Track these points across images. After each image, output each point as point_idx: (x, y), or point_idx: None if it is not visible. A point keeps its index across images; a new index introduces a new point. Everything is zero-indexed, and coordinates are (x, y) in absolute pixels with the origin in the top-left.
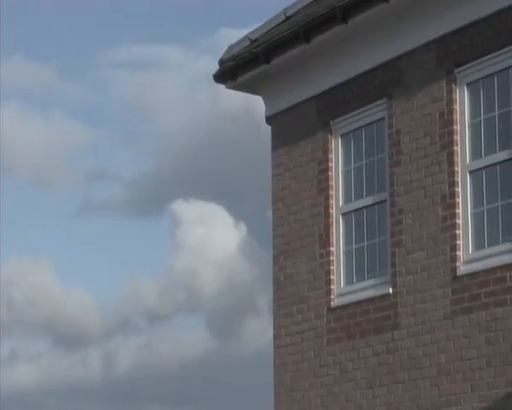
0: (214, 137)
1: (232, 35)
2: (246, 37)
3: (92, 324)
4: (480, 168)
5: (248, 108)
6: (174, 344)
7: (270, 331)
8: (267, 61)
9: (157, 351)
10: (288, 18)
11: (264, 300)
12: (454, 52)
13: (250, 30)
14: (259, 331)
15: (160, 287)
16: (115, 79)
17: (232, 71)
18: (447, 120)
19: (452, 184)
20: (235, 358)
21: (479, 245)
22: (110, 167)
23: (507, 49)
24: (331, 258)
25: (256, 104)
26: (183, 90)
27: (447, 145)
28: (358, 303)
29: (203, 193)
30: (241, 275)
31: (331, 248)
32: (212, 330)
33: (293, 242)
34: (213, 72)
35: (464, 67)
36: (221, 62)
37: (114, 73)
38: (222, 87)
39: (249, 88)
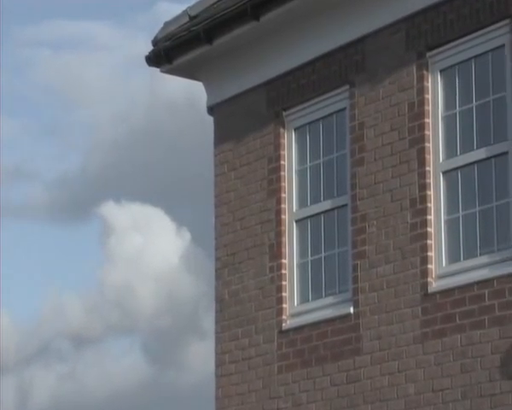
0: (151, 130)
1: (173, 10)
2: (184, 12)
3: (6, 348)
4: (455, 168)
5: (190, 96)
6: (103, 372)
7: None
8: (209, 42)
9: (83, 380)
10: None
11: (211, 320)
12: (426, 33)
13: (190, 4)
14: (204, 357)
15: (87, 305)
16: (35, 60)
17: (168, 52)
18: (417, 111)
19: (423, 187)
20: (175, 388)
21: (453, 258)
22: (29, 164)
23: (486, 30)
24: (283, 272)
25: (199, 92)
26: (116, 75)
27: (417, 141)
28: (315, 325)
29: (138, 194)
30: (183, 291)
31: (283, 261)
32: (148, 355)
33: (239, 253)
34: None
35: (437, 51)
36: (155, 42)
37: (35, 53)
38: (158, 71)
39: (188, 72)
